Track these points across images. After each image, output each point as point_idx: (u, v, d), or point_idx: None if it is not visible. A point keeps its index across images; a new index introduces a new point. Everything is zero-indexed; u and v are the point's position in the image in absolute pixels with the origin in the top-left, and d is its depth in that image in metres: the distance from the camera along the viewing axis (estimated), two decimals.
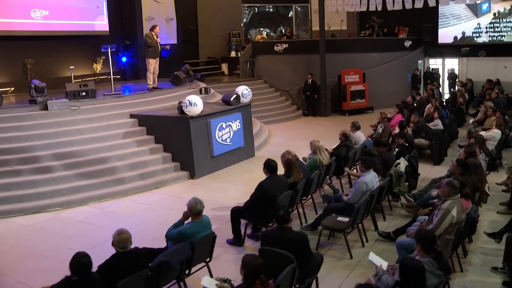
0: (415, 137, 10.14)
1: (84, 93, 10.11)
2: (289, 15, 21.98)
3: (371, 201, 6.15)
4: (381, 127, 10.54)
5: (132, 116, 10.26)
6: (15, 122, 9.22)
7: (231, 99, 10.70)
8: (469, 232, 5.75)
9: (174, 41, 17.55)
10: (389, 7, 15.20)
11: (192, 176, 9.64)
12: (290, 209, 6.63)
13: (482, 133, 9.49)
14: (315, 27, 20.58)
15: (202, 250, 5.00)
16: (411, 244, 5.21)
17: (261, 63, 18.17)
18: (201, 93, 12.96)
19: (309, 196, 7.40)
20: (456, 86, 17.33)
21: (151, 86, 11.62)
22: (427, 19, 18.51)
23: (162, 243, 5.46)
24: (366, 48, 17.79)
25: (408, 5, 14.61)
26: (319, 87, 16.69)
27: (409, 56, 18.21)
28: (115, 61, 15.83)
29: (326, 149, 8.48)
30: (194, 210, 4.96)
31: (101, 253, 6.31)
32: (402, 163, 7.45)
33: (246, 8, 21.25)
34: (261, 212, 6.05)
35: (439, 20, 18.61)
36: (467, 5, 17.16)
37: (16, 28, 12.61)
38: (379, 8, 15.76)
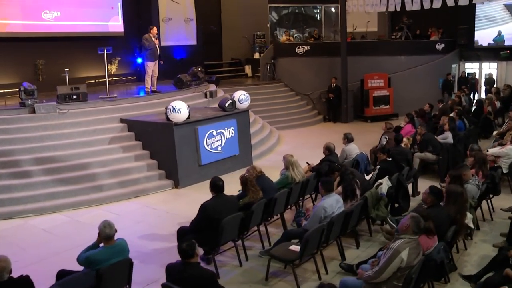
0: (421, 151, 9.22)
1: (75, 96, 9.95)
2: (318, 16, 21.14)
3: (329, 229, 5.43)
4: (386, 138, 9.67)
5: (122, 121, 9.99)
6: (1, 124, 9.15)
7: (226, 104, 10.19)
8: (438, 274, 4.90)
9: (194, 42, 17.27)
10: (408, 7, 14.21)
11: (176, 185, 9.22)
12: (246, 232, 6.05)
13: (495, 149, 8.44)
14: (351, 28, 19.67)
15: (115, 278, 4.53)
16: (355, 286, 4.51)
17: (282, 66, 17.51)
18: (205, 97, 12.58)
19: (278, 216, 6.78)
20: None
21: (149, 90, 11.34)
22: (463, 21, 17.13)
23: None
24: (393, 51, 16.73)
25: (427, 5, 13.55)
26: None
27: (441, 59, 16.92)
28: (130, 63, 15.81)
29: (308, 164, 7.84)
30: (103, 234, 4.51)
31: (43, 268, 6.04)
32: (385, 184, 6.63)
33: (274, 9, 20.61)
34: (204, 235, 5.50)
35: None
36: (505, 5, 15.67)
37: (27, 29, 12.74)
38: (398, 8, 14.76)
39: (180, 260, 4.13)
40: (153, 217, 7.86)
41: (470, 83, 17.14)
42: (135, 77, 15.84)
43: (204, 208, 5.50)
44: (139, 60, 15.69)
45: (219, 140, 9.79)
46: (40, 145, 8.96)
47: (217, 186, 5.59)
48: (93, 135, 9.49)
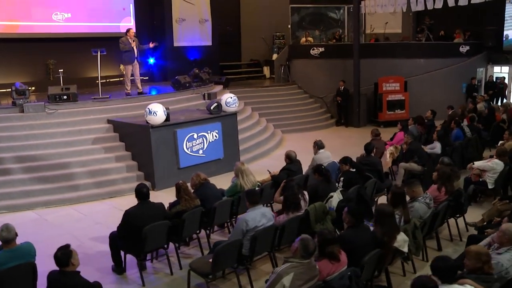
0: (406, 161, 8.69)
1: (65, 97, 10.18)
2: (341, 17, 20.54)
3: (253, 244, 5.18)
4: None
5: (109, 121, 10.11)
6: None
7: (212, 107, 10.07)
8: None
9: (209, 43, 17.29)
10: (413, 7, 13.50)
11: (153, 187, 9.19)
12: (186, 241, 5.94)
13: (481, 162, 7.78)
14: (369, 29, 19.09)
15: (14, 282, 4.51)
16: None
17: (297, 68, 17.19)
18: (204, 98, 12.52)
19: (225, 225, 6.60)
20: None
21: (129, 92, 11.47)
22: (492, 21, 16.06)
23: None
24: (411, 53, 15.94)
25: (430, 5, 12.83)
26: (352, 95, 15.33)
27: (465, 63, 15.94)
28: (142, 63, 16.00)
29: (270, 172, 7.58)
30: (0, 237, 4.50)
31: None
32: (336, 197, 6.27)
33: (295, 9, 20.22)
34: (130, 242, 5.43)
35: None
36: None
37: (38, 30, 13.20)
38: (404, 9, 14.05)
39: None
40: (115, 219, 7.73)
41: (498, 87, 16.05)
42: (147, 77, 16.03)
43: (126, 214, 5.43)
44: (151, 61, 15.91)
45: (200, 143, 9.69)
46: (24, 144, 9.20)
47: (141, 193, 5.49)
48: (77, 135, 9.66)
